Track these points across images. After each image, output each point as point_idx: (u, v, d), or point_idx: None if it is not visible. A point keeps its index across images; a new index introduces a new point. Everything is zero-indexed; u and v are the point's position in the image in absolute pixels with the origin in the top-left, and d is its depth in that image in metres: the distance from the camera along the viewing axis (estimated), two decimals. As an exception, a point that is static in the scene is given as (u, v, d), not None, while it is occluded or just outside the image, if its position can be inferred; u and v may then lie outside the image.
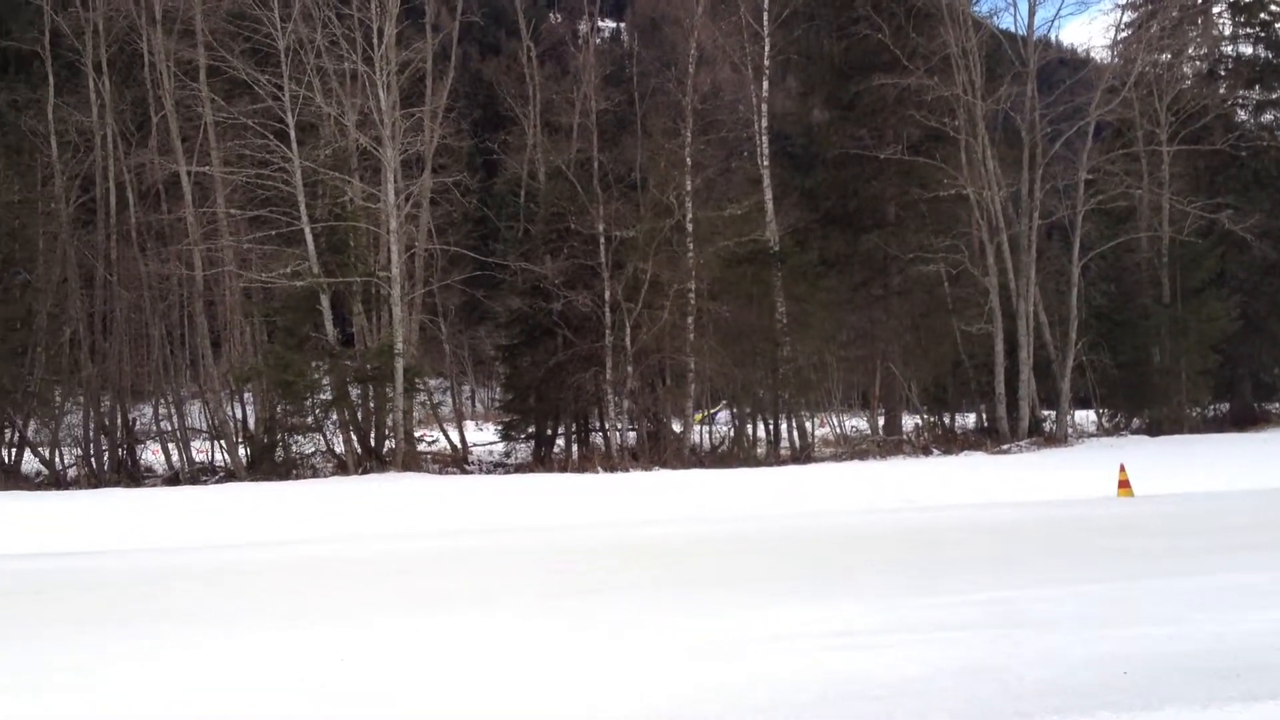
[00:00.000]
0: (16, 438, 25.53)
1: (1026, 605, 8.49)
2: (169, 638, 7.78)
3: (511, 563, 11.41)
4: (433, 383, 36.97)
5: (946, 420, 31.08)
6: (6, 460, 24.91)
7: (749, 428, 28.49)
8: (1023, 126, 28.78)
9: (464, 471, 26.19)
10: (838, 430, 31.00)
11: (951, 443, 28.22)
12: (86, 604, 9.37)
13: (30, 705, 6.31)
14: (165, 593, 9.87)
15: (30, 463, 25.54)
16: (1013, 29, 31.64)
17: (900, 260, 30.19)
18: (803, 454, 27.23)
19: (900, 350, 30.58)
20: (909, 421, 31.50)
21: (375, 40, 25.28)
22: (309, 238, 24.90)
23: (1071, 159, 29.68)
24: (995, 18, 29.50)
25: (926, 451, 27.24)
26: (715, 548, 12.23)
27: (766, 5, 28.75)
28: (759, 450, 27.68)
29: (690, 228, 26.75)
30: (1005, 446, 26.82)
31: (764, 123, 28.74)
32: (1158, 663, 6.80)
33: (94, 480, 24.43)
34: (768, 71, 28.98)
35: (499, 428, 29.91)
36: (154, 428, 27.16)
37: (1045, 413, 29.80)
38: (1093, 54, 34.86)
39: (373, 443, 25.86)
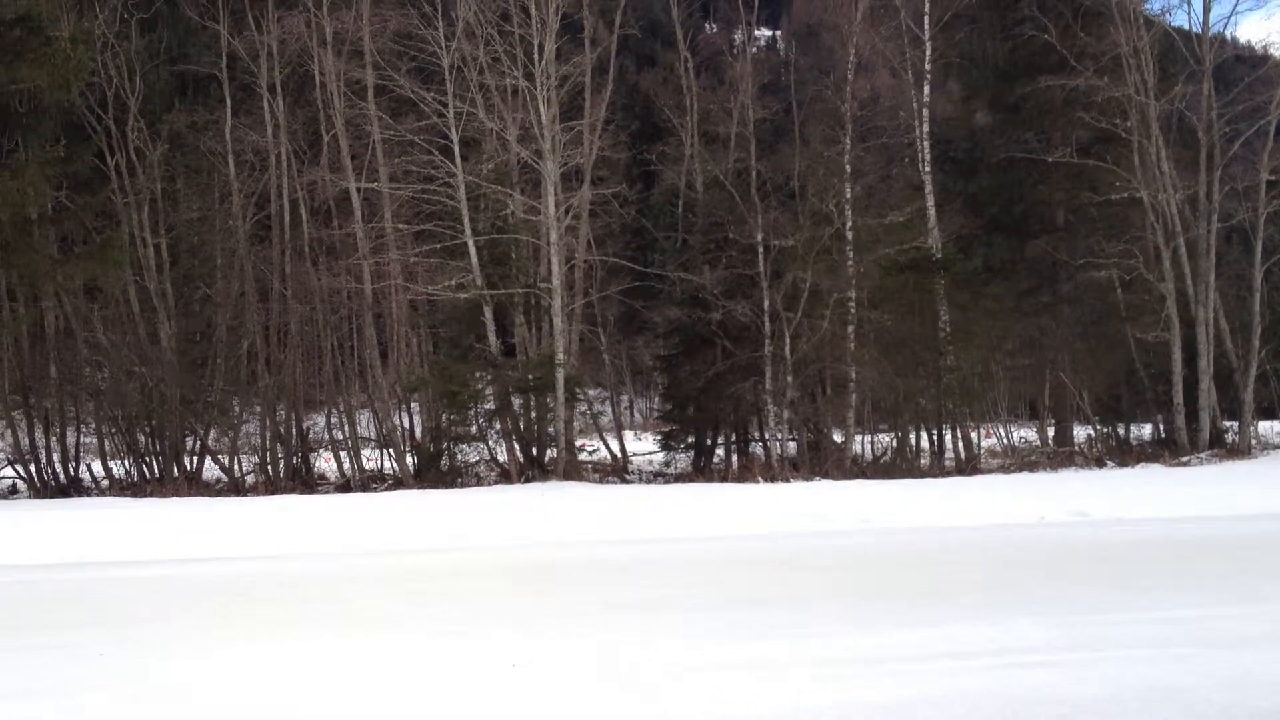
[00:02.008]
0: (198, 446, 26.56)
1: (1211, 624, 8.17)
2: (348, 640, 7.98)
3: (673, 573, 11.39)
4: (592, 393, 37.35)
5: (1121, 431, 30.02)
6: (189, 468, 25.93)
7: (912, 438, 28.00)
8: (1199, 126, 27.65)
9: (624, 481, 26.37)
10: (1005, 441, 30.26)
11: (1126, 455, 27.25)
12: (276, 606, 9.68)
13: (242, 701, 6.54)
14: (342, 597, 10.15)
15: (211, 470, 26.54)
16: (1186, 26, 30.46)
17: (1070, 266, 29.34)
18: (968, 465, 26.64)
19: (1070, 359, 29.67)
20: (1081, 432, 30.50)
21: (536, 56, 25.67)
22: (472, 251, 25.40)
23: (1252, 159, 28.36)
24: (1168, 15, 28.56)
25: (1100, 463, 26.35)
26: (880, 560, 12.03)
27: (927, 9, 28.29)
28: (922, 461, 27.19)
29: (850, 236, 26.46)
30: (1184, 459, 25.77)
31: (925, 128, 28.28)
32: (1357, 686, 6.47)
33: (270, 487, 25.27)
34: (929, 76, 28.50)
35: (658, 437, 30.02)
36: (326, 436, 27.97)
37: (1227, 424, 28.54)
38: (1272, 50, 33.25)
39: (535, 452, 26.20)
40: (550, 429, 25.91)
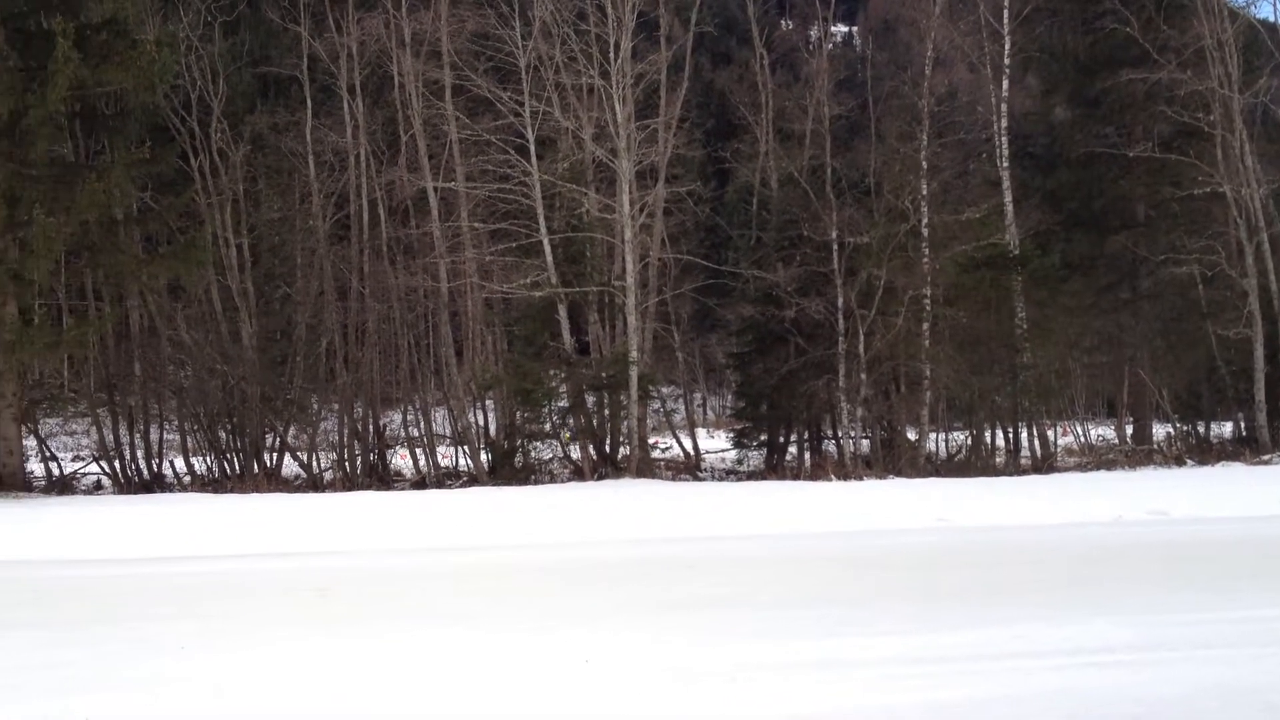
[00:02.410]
0: (277, 443, 27.01)
1: (1294, 624, 8.05)
2: (424, 636, 8.11)
3: (744, 571, 11.44)
4: (665, 390, 37.43)
5: (1201, 429, 29.50)
6: (268, 464, 26.38)
7: (987, 436, 27.72)
8: (1285, 120, 27.19)
9: (696, 478, 26.40)
10: (1082, 439, 29.86)
11: (1206, 453, 26.75)
12: (353, 602, 9.86)
13: (317, 696, 6.70)
14: (418, 593, 10.31)
15: (290, 466, 26.97)
16: (1271, 18, 29.88)
17: (1150, 262, 28.87)
18: (1044, 464, 26.33)
19: (1150, 356, 29.20)
20: (1160, 430, 30.02)
21: (612, 54, 25.77)
22: (547, 249, 25.57)
23: (1338, 153, 27.81)
24: (1252, 6, 27.97)
25: (1179, 462, 25.90)
26: (954, 559, 11.98)
27: (1007, 3, 27.95)
28: (997, 459, 26.92)
29: (926, 232, 26.24)
30: (1266, 457, 25.25)
31: (1004, 123, 27.96)
32: None
33: (348, 484, 25.62)
34: (1007, 71, 28.18)
35: (731, 435, 30.01)
36: (402, 433, 28.31)
37: (1312, 422, 27.95)
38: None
39: (608, 449, 26.33)
40: (623, 427, 26.01)
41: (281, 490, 24.02)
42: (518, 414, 26.53)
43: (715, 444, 31.95)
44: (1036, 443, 27.53)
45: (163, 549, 13.39)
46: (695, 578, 10.92)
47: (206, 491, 23.85)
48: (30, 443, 26.17)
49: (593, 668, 7.08)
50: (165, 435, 27.40)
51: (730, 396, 35.41)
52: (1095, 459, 27.03)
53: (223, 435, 26.61)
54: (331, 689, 6.71)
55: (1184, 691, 6.42)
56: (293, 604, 9.68)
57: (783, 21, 46.23)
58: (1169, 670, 6.83)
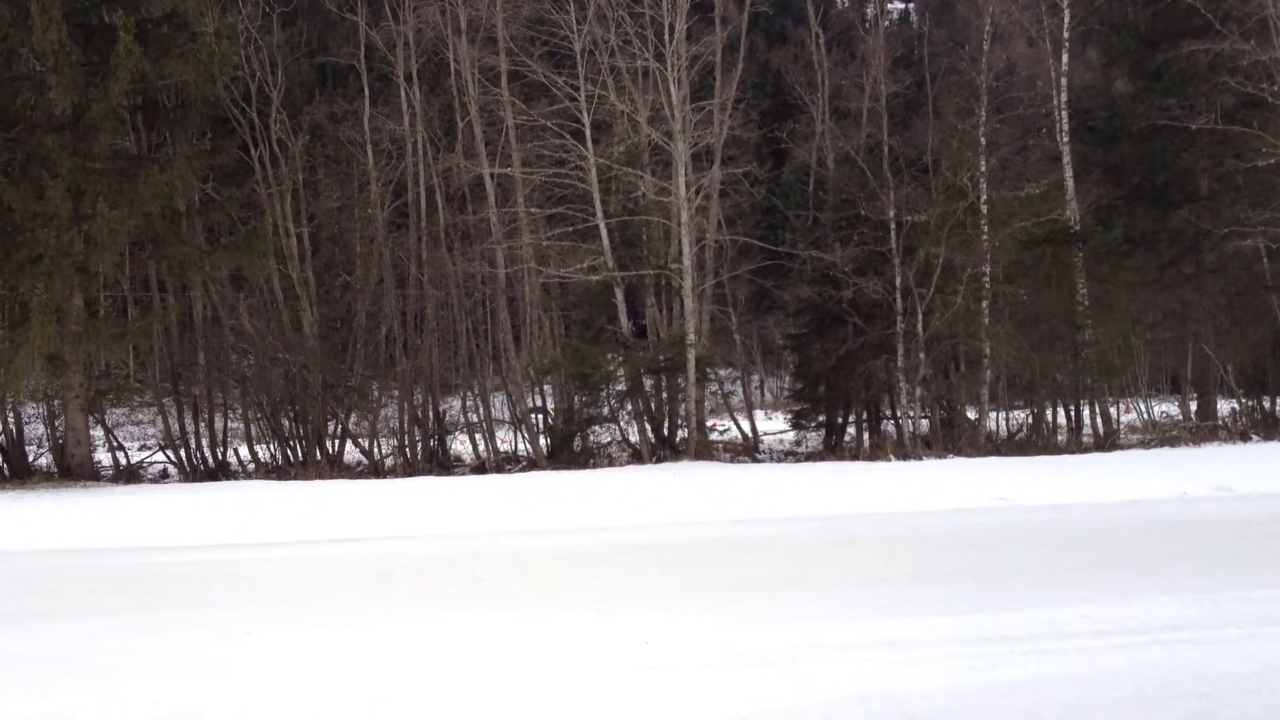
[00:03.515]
0: (339, 430, 27.29)
1: (1365, 600, 7.97)
2: (487, 618, 8.23)
3: (804, 552, 11.47)
4: (723, 373, 37.37)
5: (1267, 404, 29.04)
6: (330, 451, 26.67)
7: (1048, 415, 27.45)
8: (1350, 88, 26.59)
9: (755, 460, 26.35)
10: (1145, 416, 29.51)
11: (1272, 428, 26.34)
12: (416, 586, 9.99)
13: (381, 678, 6.82)
14: (480, 577, 10.43)
15: (351, 453, 27.23)
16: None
17: (1214, 236, 28.41)
18: (1107, 441, 26.03)
19: (1214, 331, 28.76)
20: (1225, 406, 29.59)
21: (666, 36, 25.72)
22: (604, 233, 25.61)
23: (1406, 121, 27.14)
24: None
25: (1245, 438, 25.52)
26: (1017, 538, 11.94)
27: (1066, -24, 27.63)
28: (1059, 438, 26.66)
29: (985, 209, 25.98)
30: (1333, 432, 24.91)
31: (1063, 97, 27.61)
32: None
33: (408, 469, 25.83)
34: (1067, 44, 27.81)
35: (789, 416, 29.91)
36: (462, 419, 28.49)
37: (1382, 395, 27.49)
38: None
39: (666, 432, 26.36)
40: (681, 409, 26.02)
41: (344, 476, 24.26)
42: (576, 398, 26.62)
43: (773, 426, 31.84)
44: (1099, 420, 27.22)
45: (227, 536, 13.63)
46: (754, 559, 10.98)
47: (270, 479, 24.13)
48: (97, 433, 26.62)
49: (652, 649, 7.15)
50: (229, 424, 27.72)
51: (788, 378, 35.27)
52: (1159, 436, 26.68)
53: (285, 423, 26.88)
54: (393, 673, 6.82)
55: (1252, 669, 6.40)
56: (355, 589, 9.83)
57: (838, 0, 45.98)
58: (1236, 648, 6.80)
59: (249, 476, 25.67)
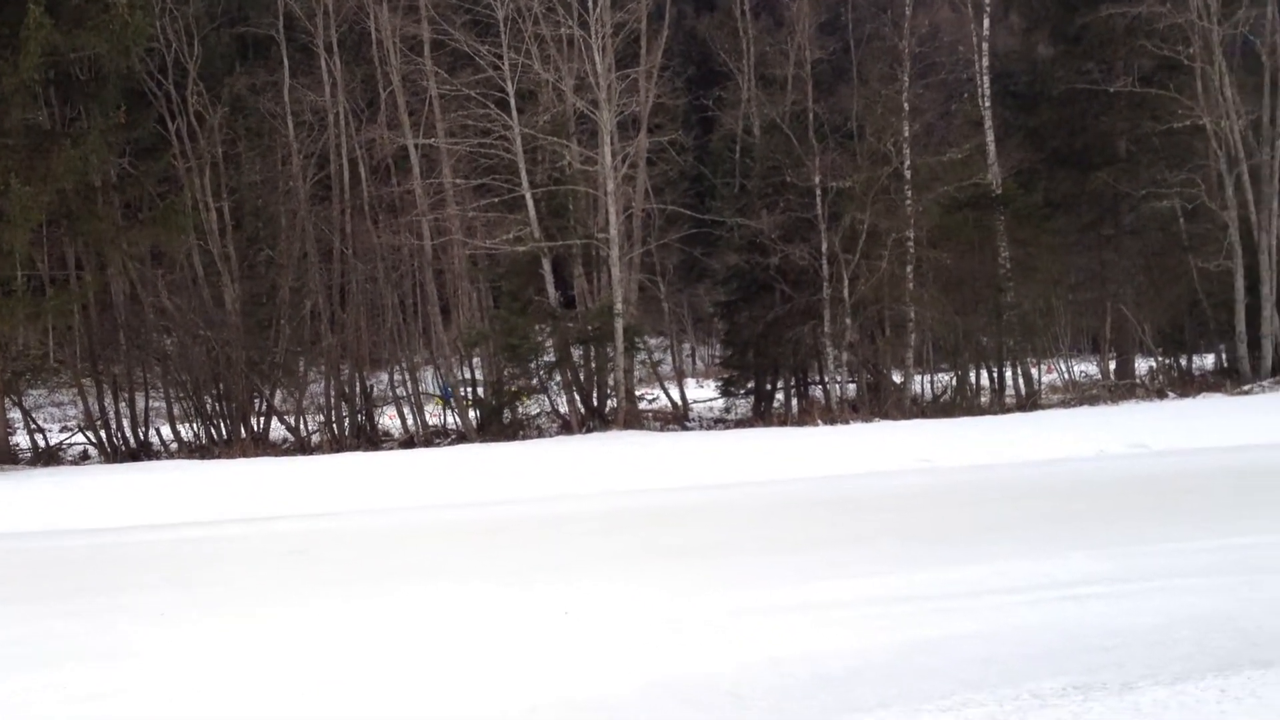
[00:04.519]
0: (264, 407, 27.02)
1: (1266, 551, 8.21)
2: (406, 594, 8.18)
3: (728, 518, 11.54)
4: (654, 341, 37.43)
5: (1184, 362, 29.66)
6: (256, 429, 26.40)
7: (972, 377, 27.83)
8: (1263, 50, 27.04)
9: (685, 428, 26.44)
10: (1066, 376, 30.00)
11: (1189, 385, 26.88)
12: (334, 563, 9.92)
13: (295, 658, 6.77)
14: (401, 552, 10.37)
15: (277, 430, 26.98)
16: (1251, -54, 29.64)
17: (1132, 198, 28.87)
18: (1029, 402, 26.45)
19: (1133, 291, 29.31)
20: (1143, 365, 30.18)
21: (590, 4, 25.56)
22: (530, 203, 25.46)
23: (1318, 81, 27.71)
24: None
25: (1161, 395, 26.02)
26: (937, 499, 12.10)
27: (987, -60, 27.82)
28: (983, 399, 27.04)
29: (908, 175, 26.18)
30: (1246, 387, 25.38)
31: (985, 62, 27.81)
32: None
33: (335, 445, 25.62)
34: (988, 8, 28.02)
35: (718, 384, 30.08)
36: (390, 393, 28.30)
37: (1291, 350, 28.11)
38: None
39: (595, 402, 26.37)
40: (610, 379, 26.04)
41: (269, 454, 24.02)
42: (504, 370, 26.53)
43: (705, 393, 31.99)
44: (1021, 381, 27.65)
45: (147, 517, 13.39)
46: (679, 527, 11.02)
47: (193, 458, 23.82)
48: (15, 415, 26.12)
49: (572, 619, 7.16)
50: (151, 403, 27.34)
51: (718, 346, 35.38)
52: (1079, 396, 27.17)
53: (209, 401, 26.57)
54: (309, 650, 6.77)
55: (1159, 622, 6.53)
56: (275, 567, 9.74)
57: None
58: (1145, 601, 6.94)
59: (172, 456, 25.36)
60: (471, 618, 7.31)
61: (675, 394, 29.16)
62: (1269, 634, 6.19)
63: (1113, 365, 30.57)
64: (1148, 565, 7.83)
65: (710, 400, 29.81)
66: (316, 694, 5.94)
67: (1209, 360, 29.87)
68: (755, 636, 6.56)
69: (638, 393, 27.69)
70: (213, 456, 23.74)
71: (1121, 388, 27.48)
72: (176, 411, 27.30)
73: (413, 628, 7.14)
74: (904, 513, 11.18)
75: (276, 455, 23.86)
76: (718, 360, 33.38)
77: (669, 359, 33.93)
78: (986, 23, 27.91)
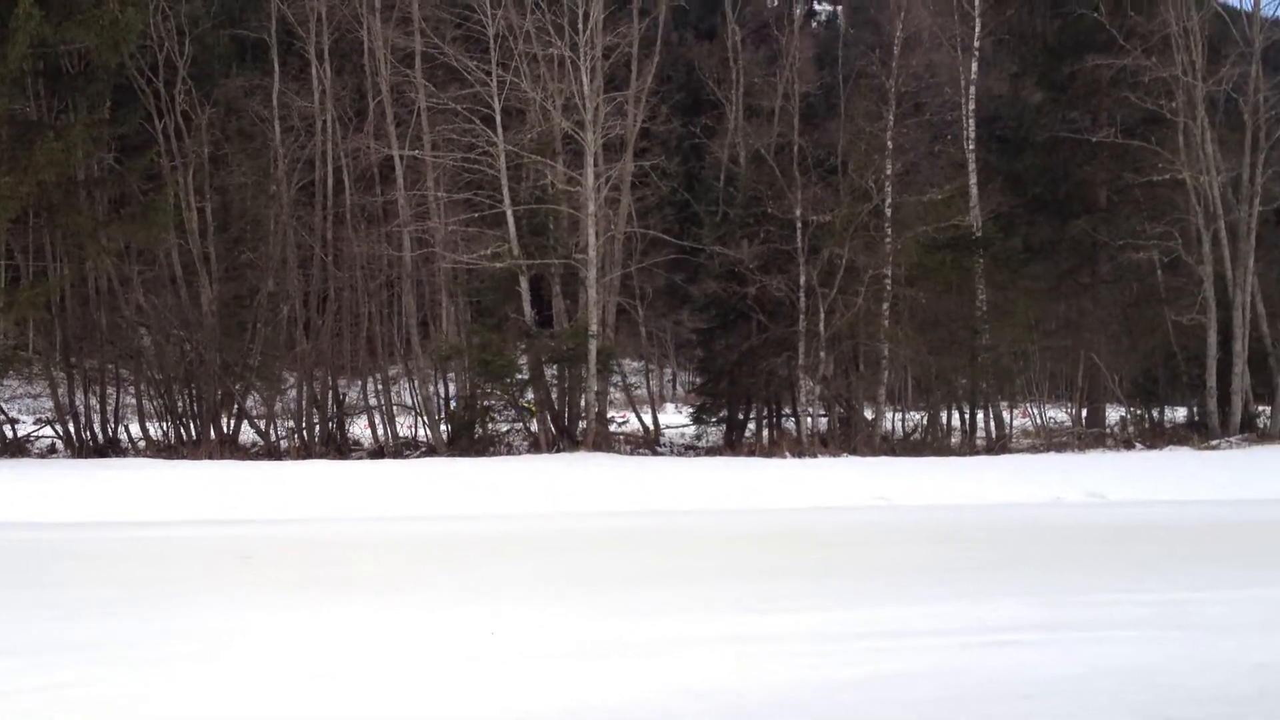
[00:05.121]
0: (235, 409, 26.94)
1: (1204, 607, 8.21)
2: (332, 608, 8.15)
3: (679, 546, 11.56)
4: (635, 365, 37.45)
5: (1155, 414, 29.82)
6: (226, 431, 26.32)
7: (944, 417, 27.93)
8: (1245, 109, 27.27)
9: (654, 453, 26.48)
10: (1038, 421, 30.12)
11: (1158, 437, 27.04)
12: (278, 570, 9.90)
13: (230, 661, 6.75)
14: (345, 563, 10.34)
15: (247, 434, 26.89)
16: (1238, 5, 30.00)
17: (1110, 247, 29.00)
18: (998, 445, 26.56)
19: (1107, 340, 29.46)
20: (1114, 414, 30.33)
21: (580, 25, 25.68)
22: (510, 220, 25.49)
23: (1298, 143, 27.98)
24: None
25: (1129, 445, 26.16)
26: (887, 538, 12.13)
27: (978, -16, 28.05)
28: (953, 440, 27.12)
29: (889, 212, 26.32)
30: (1214, 442, 25.53)
31: (971, 105, 28.04)
32: (1330, 674, 6.51)
33: (304, 452, 25.55)
34: (977, 53, 28.24)
35: (692, 411, 30.12)
36: (362, 403, 28.26)
37: (1261, 408, 28.25)
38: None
39: (566, 422, 26.37)
40: (582, 400, 26.04)
41: (238, 457, 23.97)
42: (478, 386, 26.52)
43: (678, 419, 32.05)
44: (992, 424, 27.75)
45: (103, 514, 13.37)
46: (628, 552, 11.03)
47: (160, 457, 23.76)
48: (-11, 404, 26.05)
49: (497, 640, 7.15)
50: (123, 400, 27.24)
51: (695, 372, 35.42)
52: (1048, 441, 27.27)
53: (180, 401, 26.49)
54: (233, 657, 6.75)
55: (1080, 672, 6.55)
56: (215, 571, 9.71)
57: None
58: (1069, 650, 6.96)
59: (139, 454, 25.27)
60: (396, 635, 7.29)
61: (648, 418, 29.17)
62: (1187, 693, 6.21)
63: (1084, 413, 30.70)
64: (1079, 615, 7.86)
65: (682, 426, 29.85)
66: (220, 702, 5.92)
67: (1180, 413, 30.01)
68: (680, 667, 6.57)
69: (611, 415, 27.70)
70: (180, 456, 23.68)
71: (1090, 436, 27.62)
72: (147, 409, 27.17)
73: (334, 643, 7.12)
74: (852, 549, 11.21)
75: (243, 459, 23.79)
76: (692, 387, 33.41)
77: (644, 383, 33.93)
78: (974, 65, 28.14)
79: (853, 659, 6.76)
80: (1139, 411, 29.66)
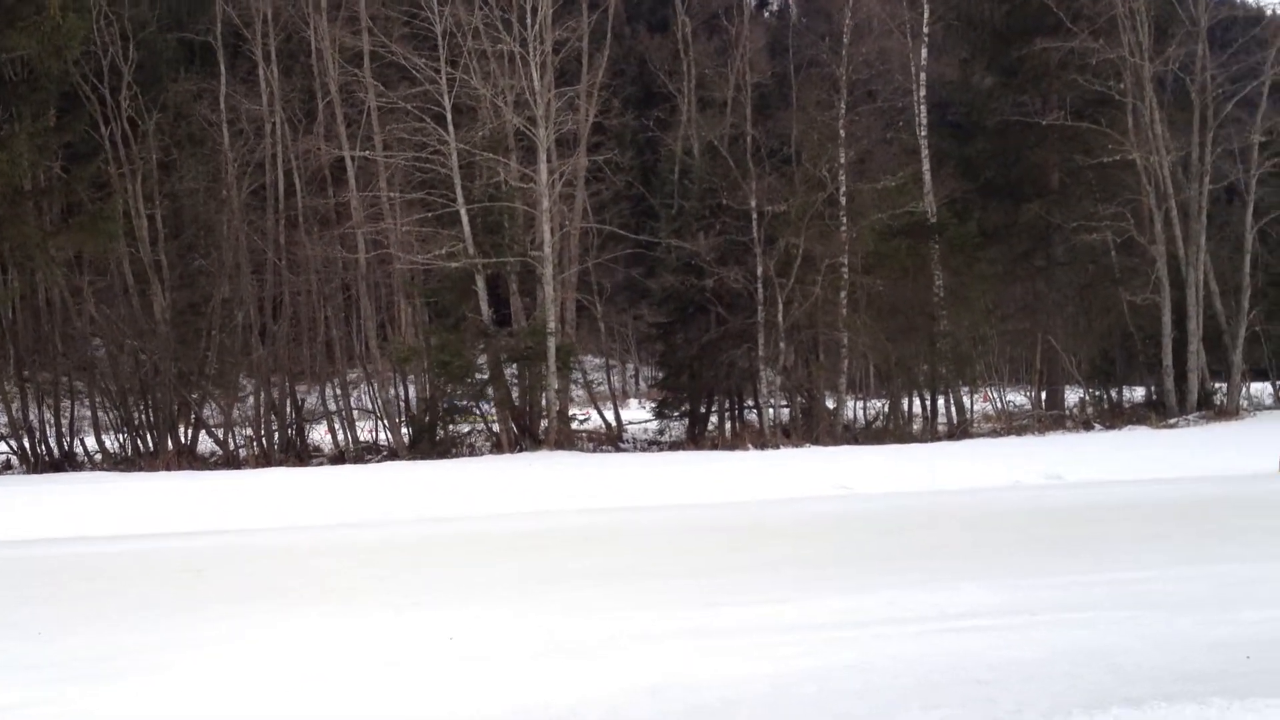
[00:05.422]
0: (193, 419, 26.63)
1: (1159, 586, 8.23)
2: (296, 615, 8.04)
3: (640, 542, 11.49)
4: (597, 361, 37.36)
5: (1113, 394, 30.03)
6: (183, 440, 26.02)
7: (904, 403, 28.01)
8: (1193, 88, 27.49)
9: (618, 449, 26.41)
10: (997, 405, 30.27)
11: (1116, 417, 27.24)
12: (232, 580, 9.75)
13: (161, 679, 6.62)
14: (303, 570, 10.21)
15: (205, 442, 26.60)
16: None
17: (1064, 230, 29.18)
18: (959, 430, 26.66)
19: (1063, 323, 29.62)
20: (1073, 396, 30.52)
21: (529, 20, 25.53)
22: (465, 219, 25.31)
23: (1246, 120, 28.18)
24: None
25: (1088, 426, 26.34)
26: (847, 527, 12.11)
27: (926, -30, 28.11)
28: (914, 426, 27.20)
29: (844, 201, 26.35)
30: (1172, 421, 25.76)
31: (922, 92, 28.09)
32: (1284, 648, 6.52)
33: (264, 460, 25.29)
34: (926, 38, 28.30)
35: (653, 405, 30.06)
36: (322, 408, 28.00)
37: (1217, 385, 28.50)
38: (1269, 10, 33.10)
39: (527, 421, 26.24)
40: (543, 399, 25.92)
41: (196, 467, 23.74)
42: (438, 387, 26.33)
43: (641, 415, 31.97)
44: (953, 409, 27.84)
45: (57, 530, 13.16)
46: (588, 550, 10.95)
47: (117, 470, 23.50)
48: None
49: (456, 644, 7.06)
50: (78, 412, 26.88)
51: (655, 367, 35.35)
52: (1009, 425, 27.39)
53: (136, 412, 26.15)
54: (183, 672, 6.63)
55: (1038, 655, 6.52)
56: (166, 585, 9.55)
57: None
58: (1026, 634, 6.94)
59: (96, 468, 24.96)
60: (352, 642, 7.18)
61: (610, 414, 29.08)
62: (1145, 671, 6.19)
63: (1043, 396, 30.88)
64: (1036, 598, 7.84)
65: (645, 422, 29.77)
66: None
67: (1139, 393, 30.24)
68: (636, 663, 6.50)
69: (573, 413, 27.60)
70: (137, 469, 23.41)
71: (1050, 418, 27.78)
72: (103, 421, 26.81)
73: (287, 653, 7.01)
74: (812, 540, 11.18)
75: (202, 469, 23.58)
76: (652, 382, 33.33)
77: (606, 379, 33.86)
78: (925, 52, 28.20)
79: (811, 650, 6.71)
80: (1097, 392, 29.89)
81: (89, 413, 27.04)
